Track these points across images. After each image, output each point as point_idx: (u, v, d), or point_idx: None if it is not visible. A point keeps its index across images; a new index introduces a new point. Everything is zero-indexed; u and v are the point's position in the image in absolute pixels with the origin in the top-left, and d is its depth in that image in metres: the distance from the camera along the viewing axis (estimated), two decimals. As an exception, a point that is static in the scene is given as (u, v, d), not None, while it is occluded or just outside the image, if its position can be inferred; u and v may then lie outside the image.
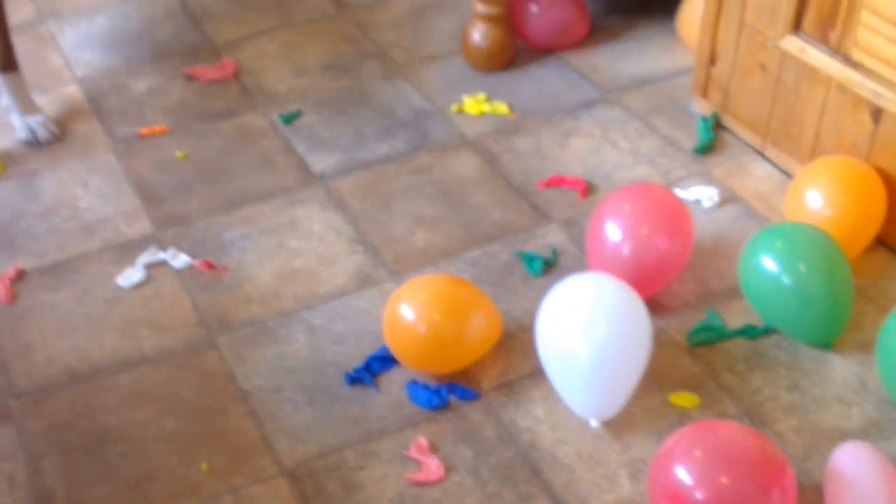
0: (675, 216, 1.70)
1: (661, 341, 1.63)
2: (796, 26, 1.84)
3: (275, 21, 2.46)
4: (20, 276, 1.81)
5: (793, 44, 1.84)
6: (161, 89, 2.24)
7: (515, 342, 1.66)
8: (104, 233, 1.90)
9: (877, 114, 1.73)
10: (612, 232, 1.67)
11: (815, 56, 1.81)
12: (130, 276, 1.81)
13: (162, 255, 1.84)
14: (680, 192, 1.91)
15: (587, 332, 1.48)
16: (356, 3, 2.51)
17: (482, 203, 1.93)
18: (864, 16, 1.71)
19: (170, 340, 1.69)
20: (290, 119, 2.14)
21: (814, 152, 1.88)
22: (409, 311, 1.58)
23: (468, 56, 2.25)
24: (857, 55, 1.75)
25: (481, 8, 2.19)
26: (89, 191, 1.99)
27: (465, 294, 1.62)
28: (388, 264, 1.81)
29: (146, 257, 1.84)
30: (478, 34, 2.22)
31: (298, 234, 1.88)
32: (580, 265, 1.78)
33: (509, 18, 2.23)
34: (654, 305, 1.66)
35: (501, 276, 1.78)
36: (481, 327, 1.61)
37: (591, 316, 1.49)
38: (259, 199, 1.95)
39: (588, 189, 1.95)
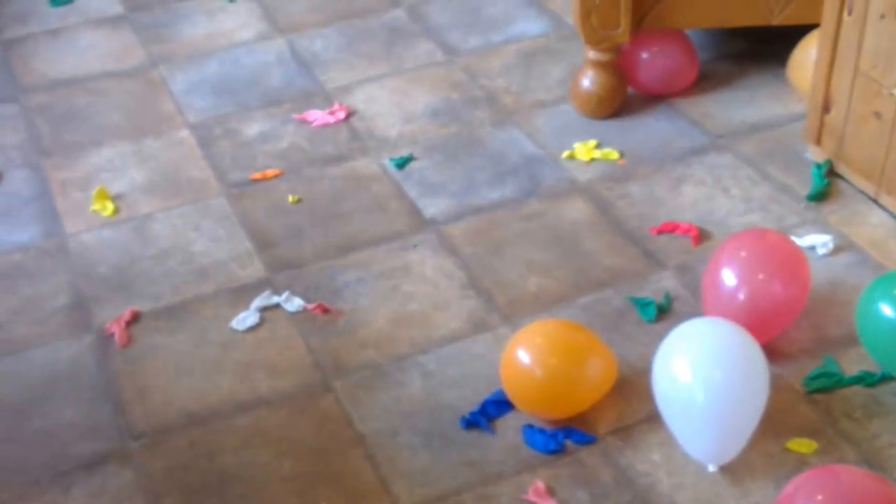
0: (792, 262, 1.68)
1: (777, 387, 1.59)
2: (915, 73, 1.80)
3: (384, 67, 2.48)
4: (136, 318, 1.84)
5: (911, 91, 1.80)
6: (273, 134, 2.28)
7: (631, 387, 1.64)
8: (218, 276, 1.93)
9: None
10: (729, 277, 1.65)
11: (937, 102, 1.76)
12: (245, 319, 1.82)
13: (276, 299, 1.85)
14: (794, 239, 1.87)
15: (704, 377, 1.46)
16: (465, 50, 2.53)
17: (594, 249, 1.92)
18: None
19: (286, 383, 1.70)
20: (401, 164, 2.16)
21: (932, 200, 1.83)
22: (525, 356, 1.57)
23: (578, 102, 2.25)
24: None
25: (592, 54, 2.19)
26: (202, 234, 2.03)
27: (581, 339, 1.61)
28: (501, 309, 1.80)
29: (260, 301, 1.85)
30: (588, 80, 2.21)
31: (411, 278, 1.88)
32: (694, 311, 1.75)
33: (619, 65, 2.22)
34: (771, 351, 1.62)
35: (615, 322, 1.76)
36: (597, 372, 1.59)
37: (709, 360, 1.48)
38: (372, 244, 1.96)
39: (701, 236, 1.92)
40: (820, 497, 1.30)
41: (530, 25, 2.61)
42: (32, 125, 2.34)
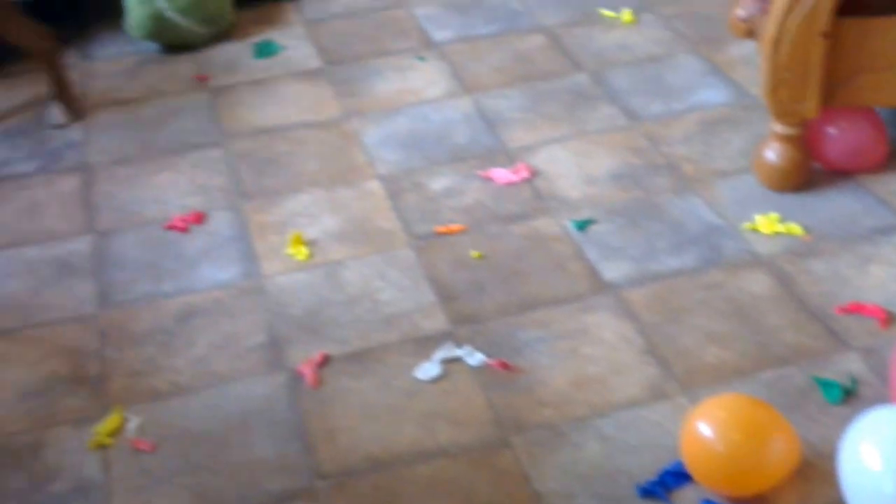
0: None
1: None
2: None
3: (567, 129, 2.55)
4: (326, 361, 1.94)
5: None
6: (457, 189, 2.37)
7: (814, 470, 1.62)
8: (402, 325, 2.01)
9: None
10: (921, 365, 1.62)
11: None
12: (428, 369, 1.90)
13: (458, 352, 1.92)
14: None
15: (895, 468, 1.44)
16: (647, 116, 2.57)
17: (776, 324, 1.91)
18: None
19: (465, 436, 1.76)
20: (582, 226, 2.21)
21: None
22: (707, 429, 1.58)
23: (761, 174, 2.25)
24: None
25: (777, 127, 2.19)
26: (389, 284, 2.12)
27: (765, 416, 1.61)
28: (679, 378, 1.82)
29: (443, 352, 1.93)
30: (772, 153, 2.22)
31: (590, 340, 1.92)
32: (881, 397, 1.72)
33: (805, 139, 2.22)
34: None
35: (797, 401, 1.75)
36: (781, 451, 1.59)
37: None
38: (551, 304, 2.02)
39: (889, 319, 1.89)
40: None
41: (712, 94, 2.63)
42: (235, 169, 2.51)
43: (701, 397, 1.72)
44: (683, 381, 1.81)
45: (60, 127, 2.68)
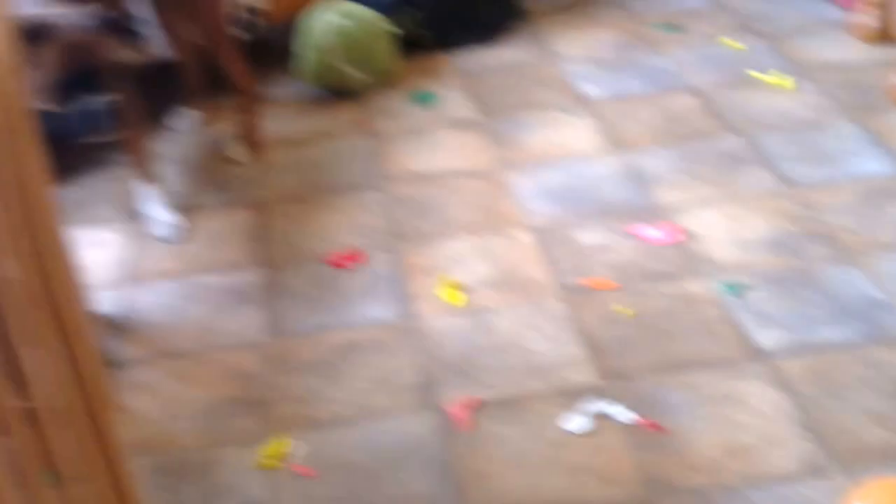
0: None
1: None
2: None
3: (721, 192, 2.56)
4: (477, 405, 2.00)
5: None
6: (608, 245, 2.41)
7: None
8: (551, 376, 2.05)
9: None
10: None
11: None
12: (577, 422, 1.93)
13: (606, 408, 1.95)
14: None
15: None
16: (803, 182, 2.57)
17: (941, 408, 1.89)
18: None
19: (614, 493, 1.78)
20: (735, 290, 2.22)
21: None
22: (866, 510, 1.58)
23: (923, 250, 2.23)
24: None
25: (943, 204, 2.17)
26: (539, 334, 2.17)
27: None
28: (838, 456, 1.80)
29: (591, 406, 1.96)
30: (936, 229, 2.20)
31: (743, 408, 1.92)
32: None
33: (971, 217, 2.19)
34: None
35: (956, 487, 1.72)
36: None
37: None
38: (702, 367, 2.03)
39: None
40: None
41: (872, 164, 2.61)
42: (393, 212, 2.60)
43: (861, 478, 1.71)
44: (843, 459, 1.80)
45: (241, 164, 2.85)
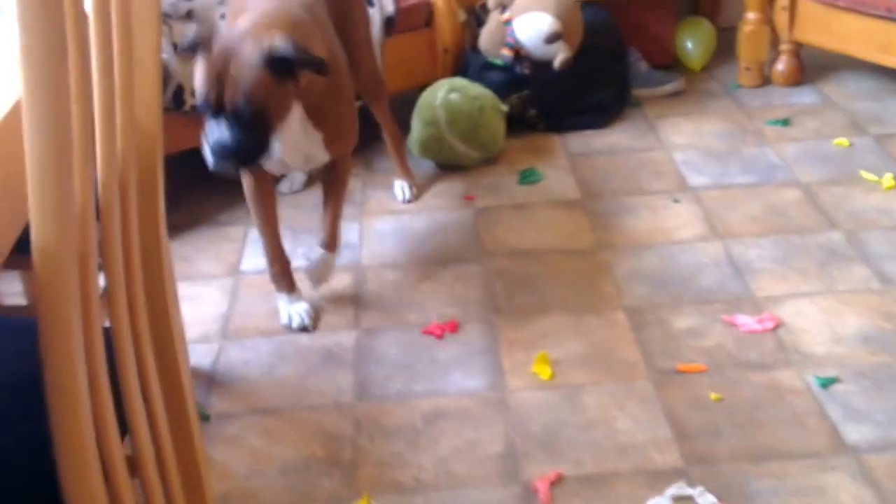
0: None
1: None
2: None
3: (817, 285, 2.57)
4: (560, 480, 2.03)
5: None
6: (700, 330, 2.43)
7: None
8: (636, 456, 2.07)
9: None
10: None
11: None
12: (657, 502, 1.95)
13: (690, 491, 1.96)
14: None
15: None
16: (903, 282, 2.57)
17: None
18: None
19: (690, 574, 1.80)
20: (826, 383, 2.21)
21: None
22: None
23: None
24: None
25: None
26: (626, 414, 2.20)
27: None
28: (919, 555, 1.79)
29: (675, 490, 1.97)
30: None
31: (827, 501, 1.91)
32: None
33: None
34: None
35: None
36: None
37: None
38: (788, 457, 2.03)
39: None
40: None
41: (975, 266, 2.59)
42: (490, 285, 2.68)
43: (940, 577, 1.69)
44: (922, 556, 1.78)
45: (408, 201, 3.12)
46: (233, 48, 2.11)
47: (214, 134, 2.14)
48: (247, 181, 2.50)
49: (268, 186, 2.53)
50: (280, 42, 2.11)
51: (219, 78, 2.11)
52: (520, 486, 2.02)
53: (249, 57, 2.10)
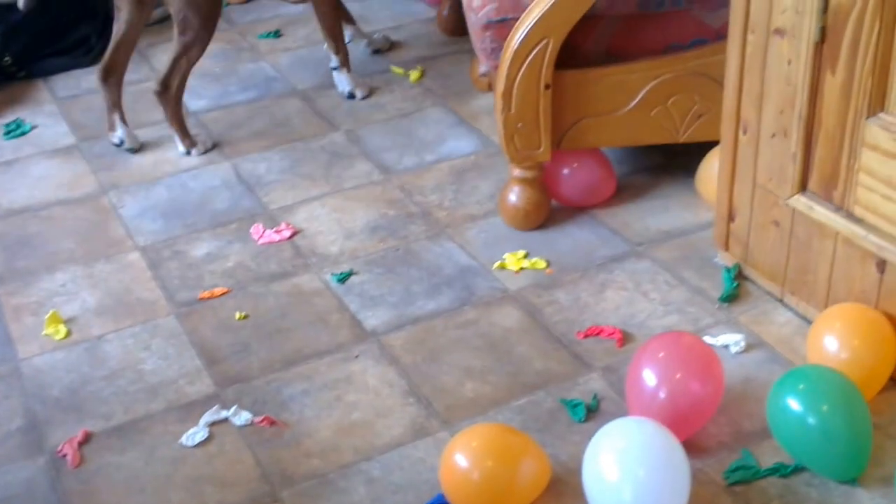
0: (706, 362, 1.82)
1: (699, 481, 1.71)
2: (803, 186, 1.97)
3: (325, 187, 2.63)
4: (88, 438, 1.91)
5: (801, 202, 1.97)
6: (219, 254, 2.39)
7: (564, 485, 1.74)
8: (168, 394, 2.01)
9: (881, 265, 1.86)
10: (649, 378, 1.78)
11: (822, 213, 1.94)
12: (194, 435, 1.90)
13: (224, 414, 1.93)
14: (709, 339, 2.01)
15: (630, 474, 1.59)
16: (400, 169, 2.69)
17: (526, 354, 2.04)
18: (862, 177, 1.85)
19: (234, 496, 1.77)
20: (342, 279, 2.28)
21: (828, 300, 1.99)
22: (462, 459, 1.67)
23: (506, 216, 2.40)
24: (858, 212, 1.88)
25: (516, 172, 2.35)
26: (152, 353, 2.11)
27: (515, 441, 1.72)
28: (440, 415, 1.91)
29: (209, 416, 1.93)
30: (514, 196, 2.37)
31: (354, 388, 1.98)
32: (620, 410, 1.86)
33: (543, 180, 2.38)
34: (692, 447, 1.74)
35: (547, 423, 1.87)
36: (532, 472, 1.70)
37: (633, 458, 1.61)
38: (315, 357, 2.07)
39: (624, 338, 2.05)
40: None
41: (460, 144, 2.78)
42: (-14, 253, 2.44)
43: (459, 429, 1.81)
44: (444, 417, 1.90)
45: None
46: None
47: None
48: None
49: None
50: None
51: None
52: (46, 455, 1.87)
53: None
